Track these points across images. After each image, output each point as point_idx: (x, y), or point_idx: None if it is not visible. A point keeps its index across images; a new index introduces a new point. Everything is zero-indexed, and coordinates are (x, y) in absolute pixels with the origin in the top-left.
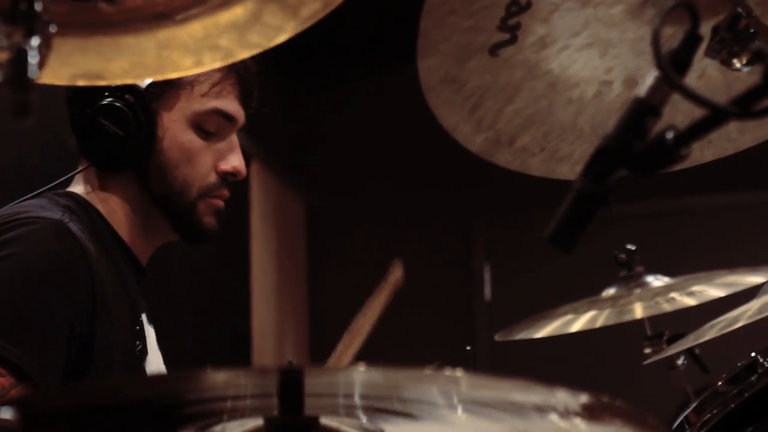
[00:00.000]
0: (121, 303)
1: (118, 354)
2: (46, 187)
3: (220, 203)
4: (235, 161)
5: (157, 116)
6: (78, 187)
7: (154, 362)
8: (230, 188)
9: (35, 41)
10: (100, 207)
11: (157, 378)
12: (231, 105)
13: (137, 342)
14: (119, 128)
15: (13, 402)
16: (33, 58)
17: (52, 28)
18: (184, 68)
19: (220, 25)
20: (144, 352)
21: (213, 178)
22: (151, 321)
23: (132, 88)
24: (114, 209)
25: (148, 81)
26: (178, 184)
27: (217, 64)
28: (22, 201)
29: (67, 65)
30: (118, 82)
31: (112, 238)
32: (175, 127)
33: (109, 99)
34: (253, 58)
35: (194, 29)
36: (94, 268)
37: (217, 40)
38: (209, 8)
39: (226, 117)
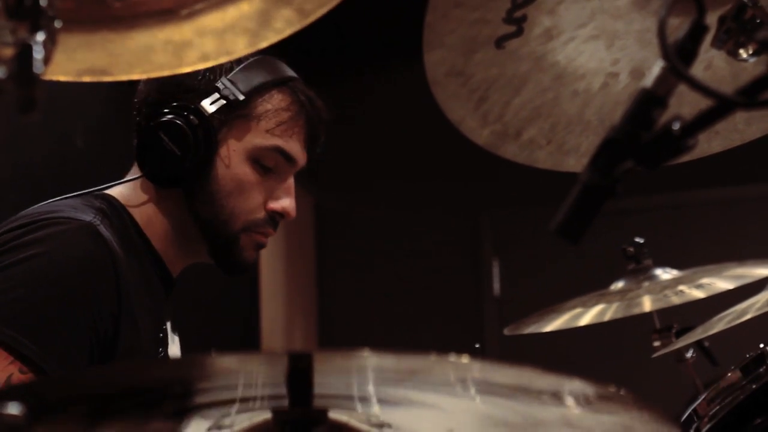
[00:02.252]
0: (146, 309)
1: (141, 358)
2: (89, 189)
3: (264, 240)
4: (286, 202)
5: (218, 143)
6: (121, 192)
7: None
8: (276, 227)
9: (40, 36)
10: (137, 215)
11: (165, 363)
12: (294, 146)
13: (160, 348)
14: (177, 146)
15: (20, 392)
16: (38, 54)
17: (58, 24)
18: (189, 64)
19: (225, 20)
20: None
21: (261, 214)
22: (175, 330)
23: (197, 111)
24: (152, 221)
25: (215, 107)
26: (225, 213)
27: (223, 59)
28: (57, 200)
29: (73, 61)
30: (124, 77)
31: (144, 246)
32: (233, 157)
33: (172, 116)
34: (325, 104)
35: (200, 25)
36: (122, 273)
37: (223, 35)
38: (215, 3)
39: (287, 157)
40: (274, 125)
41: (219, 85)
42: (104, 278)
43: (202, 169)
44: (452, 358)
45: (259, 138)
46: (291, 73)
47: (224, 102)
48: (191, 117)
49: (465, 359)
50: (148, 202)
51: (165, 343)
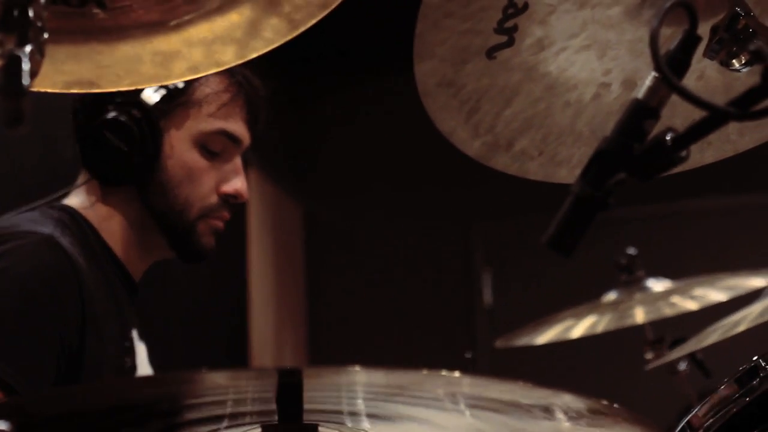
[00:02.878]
0: (111, 318)
1: (108, 369)
2: (44, 200)
3: (220, 224)
4: (237, 183)
5: (163, 133)
6: (75, 200)
7: None
8: (231, 210)
9: (28, 48)
10: (95, 221)
11: (152, 380)
12: (237, 127)
13: (126, 358)
14: (124, 143)
15: (6, 409)
16: (26, 66)
17: (46, 35)
18: (178, 75)
19: (215, 30)
20: (133, 368)
21: (214, 199)
22: (142, 337)
23: (139, 104)
24: (110, 223)
25: (157, 98)
26: (179, 203)
27: (212, 71)
28: (15, 214)
29: (61, 73)
30: (113, 89)
31: (105, 254)
32: (180, 146)
33: (115, 113)
34: (262, 80)
35: (189, 35)
36: (84, 283)
37: (212, 46)
38: (204, 14)
39: (232, 138)
40: (216, 108)
41: None
42: (67, 290)
43: (151, 161)
44: (442, 373)
45: (202, 123)
46: None
47: (164, 91)
48: (134, 111)
49: (455, 374)
50: (102, 204)
51: (132, 352)
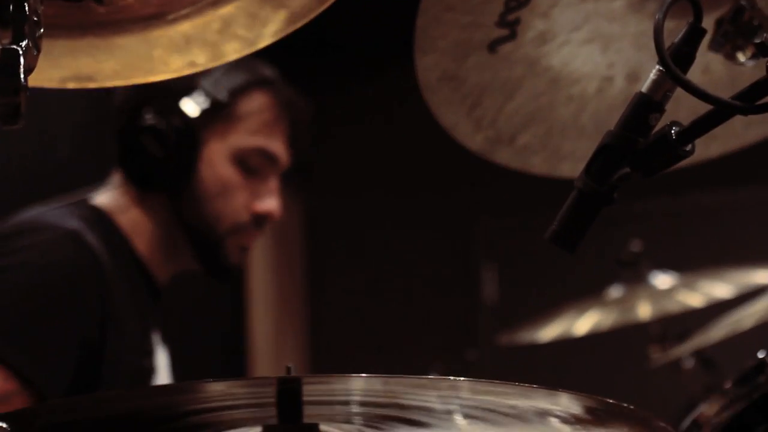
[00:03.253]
0: (133, 318)
1: (127, 368)
2: (73, 197)
3: (249, 243)
4: (270, 204)
5: (202, 145)
6: (105, 200)
7: (163, 382)
8: (262, 229)
9: (25, 44)
10: (124, 223)
11: (154, 389)
12: (277, 146)
13: (146, 359)
14: (160, 149)
15: (6, 417)
16: (22, 61)
17: (42, 30)
18: (175, 69)
19: (212, 24)
20: (153, 370)
21: (245, 216)
22: (164, 342)
23: (181, 113)
24: (138, 226)
25: (199, 107)
26: (210, 217)
27: (210, 65)
28: (43, 209)
29: (57, 67)
30: (109, 84)
31: (130, 255)
32: (217, 159)
33: (154, 119)
34: (308, 103)
35: (186, 29)
36: (107, 281)
37: (210, 39)
38: (201, 7)
39: (270, 158)
40: (257, 126)
41: (200, 85)
42: (89, 286)
43: (186, 171)
44: (441, 379)
45: (242, 139)
46: (271, 72)
47: (206, 103)
48: (173, 119)
49: (454, 380)
50: (133, 208)
51: (152, 354)
